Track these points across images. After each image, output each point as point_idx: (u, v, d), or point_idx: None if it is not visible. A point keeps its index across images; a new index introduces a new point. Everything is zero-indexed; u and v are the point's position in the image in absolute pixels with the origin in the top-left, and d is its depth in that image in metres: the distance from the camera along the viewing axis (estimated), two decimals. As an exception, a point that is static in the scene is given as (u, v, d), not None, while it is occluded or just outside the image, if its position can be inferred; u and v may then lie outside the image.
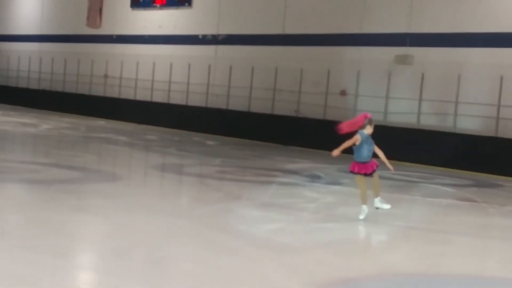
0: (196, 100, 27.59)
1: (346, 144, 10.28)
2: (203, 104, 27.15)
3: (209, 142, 22.75)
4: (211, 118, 26.37)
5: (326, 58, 23.30)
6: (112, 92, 31.76)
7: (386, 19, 21.95)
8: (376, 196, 10.20)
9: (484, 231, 10.68)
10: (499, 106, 18.99)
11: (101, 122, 28.41)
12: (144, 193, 12.14)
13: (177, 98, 28.46)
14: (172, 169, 15.62)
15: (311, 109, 23.61)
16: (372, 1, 22.32)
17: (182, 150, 19.79)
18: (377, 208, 10.14)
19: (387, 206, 10.14)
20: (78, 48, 33.96)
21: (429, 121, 20.53)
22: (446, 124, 20.14)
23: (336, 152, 10.39)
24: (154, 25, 30.25)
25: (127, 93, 30.85)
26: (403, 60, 21.17)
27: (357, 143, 10.33)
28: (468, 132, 19.51)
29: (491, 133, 19.15)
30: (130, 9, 31.27)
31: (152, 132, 25.23)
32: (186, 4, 28.71)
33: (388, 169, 10.53)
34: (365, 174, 10.23)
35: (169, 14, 29.62)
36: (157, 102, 29.37)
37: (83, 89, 33.28)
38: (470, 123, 19.65)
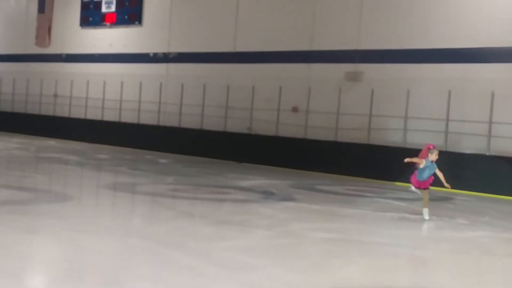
0: (148, 119, 27.46)
1: (415, 159, 12.76)
2: (155, 122, 27.04)
3: (162, 160, 22.63)
4: (163, 136, 26.27)
5: (278, 75, 23.48)
6: (63, 112, 31.38)
7: (335, 36, 22.28)
8: (424, 207, 12.78)
9: (435, 244, 10.86)
10: (447, 120, 19.41)
11: (52, 142, 28.01)
12: (97, 213, 12.00)
13: (128, 117, 28.28)
14: (125, 188, 15.49)
15: (264, 126, 23.74)
16: (322, 18, 22.64)
17: (134, 169, 19.65)
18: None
19: (426, 217, 12.70)
20: (27, 67, 33.51)
21: (379, 137, 20.84)
22: (396, 139, 20.47)
23: (408, 160, 12.86)
24: (104, 43, 30.05)
25: (78, 112, 30.51)
26: (353, 76, 21.51)
27: (421, 166, 12.65)
28: (417, 147, 19.83)
29: (440, 147, 19.51)
30: (79, 27, 31.04)
31: (104, 151, 24.98)
32: (136, 22, 28.64)
33: (445, 187, 12.90)
34: (424, 188, 12.78)
35: (119, 33, 29.49)
36: (108, 121, 29.12)
37: (33, 109, 32.81)
38: (419, 137, 19.99)
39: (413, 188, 12.99)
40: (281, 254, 9.15)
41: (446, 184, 12.81)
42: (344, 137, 21.49)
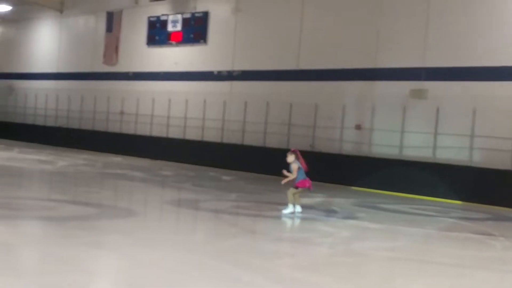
0: (211, 136, 27.73)
1: (288, 175, 14.39)
2: (218, 140, 27.28)
3: (225, 177, 22.78)
4: (226, 153, 26.46)
5: (341, 92, 23.40)
6: (128, 129, 32.01)
7: (400, 54, 22.06)
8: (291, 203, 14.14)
9: (501, 265, 10.56)
10: (515, 139, 18.95)
11: (117, 159, 28.56)
12: (160, 229, 12.15)
13: (192, 134, 28.64)
14: (188, 204, 15.64)
15: (327, 143, 23.65)
16: (386, 36, 22.47)
17: (197, 185, 19.83)
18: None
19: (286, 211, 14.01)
20: (95, 85, 34.35)
21: (444, 155, 20.46)
22: (461, 157, 20.06)
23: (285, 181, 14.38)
24: (170, 62, 30.56)
25: (143, 130, 31.06)
26: (418, 94, 21.22)
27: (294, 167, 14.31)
28: (484, 166, 19.43)
29: (507, 166, 19.06)
30: (146, 46, 31.64)
31: (168, 168, 25.31)
32: (202, 41, 29.03)
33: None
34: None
35: (184, 51, 29.94)
36: (173, 138, 29.54)
37: (100, 126, 33.57)
38: (486, 156, 19.57)
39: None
40: (342, 272, 9.06)
41: (283, 181, 14.28)
42: (408, 155, 21.20)
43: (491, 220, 16.00)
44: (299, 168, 14.23)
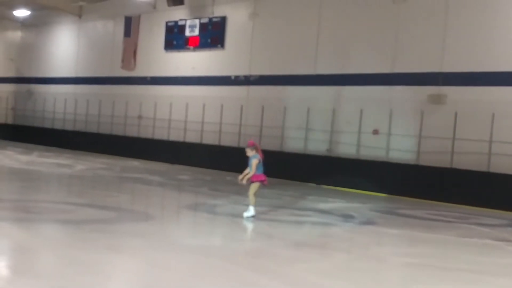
0: (228, 140, 27.76)
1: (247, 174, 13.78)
2: (235, 144, 27.30)
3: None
4: (243, 158, 26.39)
5: (358, 97, 23.33)
6: (146, 133, 32.14)
7: (418, 58, 21.95)
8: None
9: (521, 272, 10.46)
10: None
11: (135, 163, 28.68)
12: (177, 233, 12.18)
13: (209, 138, 28.69)
14: (205, 208, 15.66)
15: (344, 148, 23.60)
16: (404, 40, 22.38)
17: (214, 190, 19.85)
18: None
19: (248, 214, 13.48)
20: (113, 89, 34.53)
21: (462, 160, 20.32)
22: (480, 163, 19.91)
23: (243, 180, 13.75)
24: (187, 66, 30.65)
25: (161, 134, 31.17)
26: (436, 99, 21.13)
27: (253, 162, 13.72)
28: (503, 171, 19.27)
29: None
30: (163, 51, 31.76)
31: (185, 172, 25.37)
32: (219, 45, 29.09)
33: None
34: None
35: (202, 56, 30.01)
36: (190, 142, 29.61)
37: (118, 130, 33.73)
38: (504, 162, 19.41)
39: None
40: (360, 278, 9.02)
41: (241, 179, 13.64)
42: (426, 160, 21.09)
43: (511, 227, 15.87)
44: (259, 161, 13.71)
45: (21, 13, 39.52)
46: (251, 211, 13.67)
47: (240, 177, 13.71)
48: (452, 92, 20.93)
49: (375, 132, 22.77)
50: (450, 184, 20.04)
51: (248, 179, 13.63)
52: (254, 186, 13.73)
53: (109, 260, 8.96)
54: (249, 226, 13.33)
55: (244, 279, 8.33)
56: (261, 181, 13.76)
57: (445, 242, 12.88)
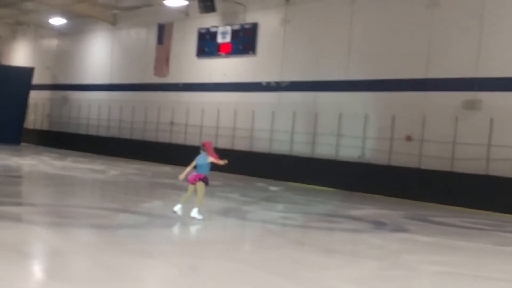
0: (259, 146, 27.75)
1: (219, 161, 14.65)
2: (266, 150, 27.28)
3: (272, 188, 22.75)
4: (274, 164, 26.44)
5: (391, 103, 23.15)
6: (178, 139, 32.30)
7: (452, 64, 21.70)
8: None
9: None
10: None
11: (167, 168, 28.82)
12: (208, 238, 12.19)
13: (241, 144, 28.72)
14: (235, 214, 15.66)
15: (376, 154, 23.43)
16: (438, 45, 22.14)
17: (245, 196, 19.85)
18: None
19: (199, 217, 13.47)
20: (146, 96, 34.80)
21: (499, 167, 20.01)
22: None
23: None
24: (219, 73, 30.75)
25: (193, 140, 31.28)
26: (471, 105, 20.86)
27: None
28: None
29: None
30: (195, 58, 31.91)
31: (216, 178, 25.39)
32: (250, 52, 29.14)
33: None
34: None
35: (233, 62, 30.09)
36: (221, 148, 29.63)
37: (150, 136, 33.97)
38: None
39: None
40: (390, 286, 8.92)
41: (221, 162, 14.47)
42: (460, 167, 20.82)
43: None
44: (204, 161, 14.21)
45: (57, 21, 40.07)
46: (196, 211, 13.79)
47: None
48: (487, 97, 20.64)
49: (408, 138, 22.54)
50: (485, 191, 19.74)
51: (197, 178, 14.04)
52: (204, 187, 14.08)
53: (141, 265, 9.01)
54: (280, 232, 13.29)
55: (272, 285, 8.30)
56: (201, 179, 14.10)
57: (479, 250, 12.69)
